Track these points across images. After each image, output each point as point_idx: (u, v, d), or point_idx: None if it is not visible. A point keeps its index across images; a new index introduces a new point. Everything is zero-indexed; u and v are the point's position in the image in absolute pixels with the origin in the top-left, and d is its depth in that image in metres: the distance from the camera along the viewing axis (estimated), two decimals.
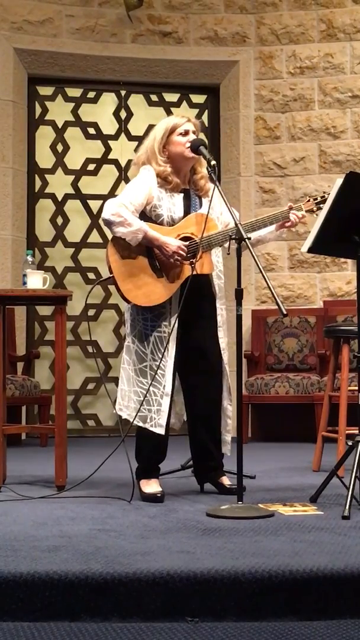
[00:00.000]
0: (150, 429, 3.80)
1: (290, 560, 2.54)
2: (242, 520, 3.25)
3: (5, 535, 2.96)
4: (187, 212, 3.89)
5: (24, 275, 4.26)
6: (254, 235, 3.99)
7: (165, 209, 3.86)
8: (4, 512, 3.46)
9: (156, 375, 3.79)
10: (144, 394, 3.80)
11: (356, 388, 3.99)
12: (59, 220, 7.53)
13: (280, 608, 2.40)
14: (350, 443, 3.56)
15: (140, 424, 3.81)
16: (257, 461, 5.22)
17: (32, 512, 3.46)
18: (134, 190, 3.86)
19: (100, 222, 7.37)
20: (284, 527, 3.12)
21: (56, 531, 3.05)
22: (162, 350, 3.79)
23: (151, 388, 3.79)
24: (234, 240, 3.53)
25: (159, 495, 3.77)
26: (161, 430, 3.78)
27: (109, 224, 3.79)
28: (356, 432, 3.57)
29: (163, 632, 2.28)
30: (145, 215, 3.88)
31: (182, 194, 3.92)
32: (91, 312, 7.45)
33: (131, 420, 3.83)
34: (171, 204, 3.87)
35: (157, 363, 3.79)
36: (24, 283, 4.24)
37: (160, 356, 3.79)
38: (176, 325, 3.79)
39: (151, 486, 3.83)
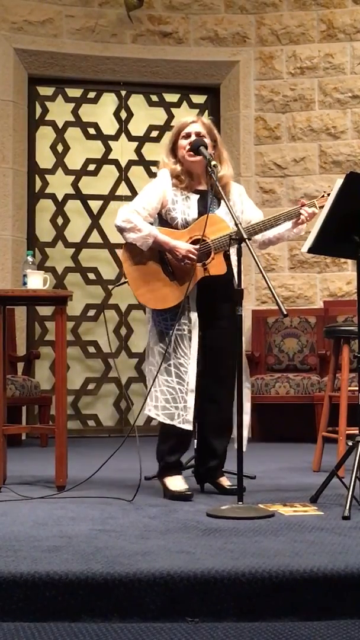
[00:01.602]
0: (179, 425, 3.80)
1: (291, 561, 2.54)
2: (242, 521, 3.24)
3: (6, 536, 2.96)
4: (202, 213, 3.88)
5: (24, 276, 4.26)
6: (272, 233, 4.00)
7: (180, 212, 3.88)
8: (4, 513, 3.46)
9: (180, 373, 3.80)
10: (171, 392, 3.80)
11: (356, 388, 3.99)
12: (59, 221, 7.53)
13: (280, 608, 2.40)
14: (350, 443, 3.55)
15: (168, 422, 3.81)
16: (258, 461, 5.22)
17: (33, 513, 3.46)
18: (148, 195, 3.90)
19: (101, 222, 7.44)
20: (284, 528, 3.11)
21: (56, 531, 3.05)
22: (184, 348, 3.81)
23: (177, 386, 3.80)
24: (234, 242, 3.54)
25: (188, 493, 3.77)
26: (189, 426, 3.80)
27: (120, 230, 3.83)
28: (356, 432, 3.57)
29: (163, 633, 2.28)
30: (161, 218, 3.91)
31: (197, 196, 3.93)
32: (91, 313, 7.45)
33: (158, 418, 3.84)
34: (185, 207, 3.89)
35: (180, 361, 3.80)
36: (24, 283, 4.25)
37: (183, 354, 3.80)
38: (197, 322, 3.80)
39: (177, 483, 3.83)
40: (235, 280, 3.91)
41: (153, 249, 3.81)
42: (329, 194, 3.99)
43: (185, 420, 3.80)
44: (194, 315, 3.82)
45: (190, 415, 3.79)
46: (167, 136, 4.13)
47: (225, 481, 3.97)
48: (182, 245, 3.78)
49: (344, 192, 3.47)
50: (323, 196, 4.03)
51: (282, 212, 3.99)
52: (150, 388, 3.85)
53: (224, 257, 3.87)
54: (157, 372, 3.85)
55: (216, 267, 3.84)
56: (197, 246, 3.78)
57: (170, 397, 3.81)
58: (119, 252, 3.99)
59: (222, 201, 3.90)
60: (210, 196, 3.94)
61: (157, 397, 3.86)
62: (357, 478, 3.46)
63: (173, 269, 3.83)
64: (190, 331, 3.82)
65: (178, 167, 3.93)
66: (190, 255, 3.77)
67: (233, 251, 3.90)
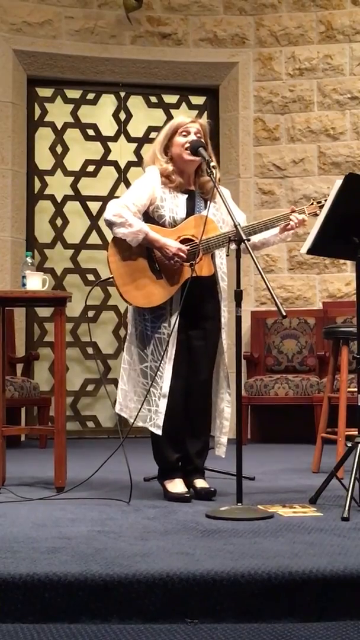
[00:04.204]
0: (150, 428, 3.81)
1: (290, 562, 2.54)
2: (241, 522, 3.24)
3: (5, 537, 2.96)
4: (190, 213, 3.88)
5: (24, 277, 4.26)
6: (258, 237, 3.99)
7: (168, 210, 3.86)
8: (3, 514, 3.46)
9: (155, 377, 3.80)
10: (145, 394, 3.80)
11: (355, 389, 3.98)
12: (59, 222, 7.54)
13: (279, 609, 2.39)
14: (349, 444, 3.56)
15: (140, 424, 3.82)
16: (257, 462, 5.22)
17: (32, 514, 3.45)
18: (137, 191, 3.87)
19: (100, 223, 7.45)
20: (283, 529, 3.11)
21: (55, 533, 3.05)
22: (161, 351, 3.80)
23: (150, 389, 3.79)
24: (233, 242, 3.54)
25: (187, 495, 3.77)
26: (158, 431, 3.78)
27: (110, 224, 3.79)
28: (355, 433, 3.57)
29: (162, 634, 2.28)
30: (148, 215, 3.88)
31: (186, 195, 3.91)
32: (91, 314, 7.45)
33: (130, 420, 3.84)
34: (174, 205, 3.87)
35: (157, 364, 3.79)
36: (24, 284, 4.25)
37: (159, 357, 3.79)
38: (176, 326, 3.79)
39: (176, 486, 3.83)
40: (220, 282, 3.92)
41: (141, 245, 3.79)
42: (319, 202, 4.01)
43: (155, 424, 3.79)
44: (175, 319, 3.80)
45: (160, 420, 3.77)
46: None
47: (199, 483, 3.91)
48: (172, 243, 3.77)
49: (343, 193, 3.47)
50: (312, 204, 4.03)
51: (272, 217, 3.97)
52: (123, 387, 3.87)
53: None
54: (133, 373, 3.86)
55: (204, 268, 3.83)
56: (188, 247, 3.78)
57: (144, 400, 3.81)
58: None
59: (212, 203, 3.88)
60: (198, 197, 3.94)
61: (131, 397, 3.87)
62: (356, 479, 3.46)
63: (160, 267, 3.81)
64: (169, 335, 3.80)
65: (170, 167, 3.90)
66: (180, 254, 3.76)
67: (219, 253, 3.90)
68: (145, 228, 3.76)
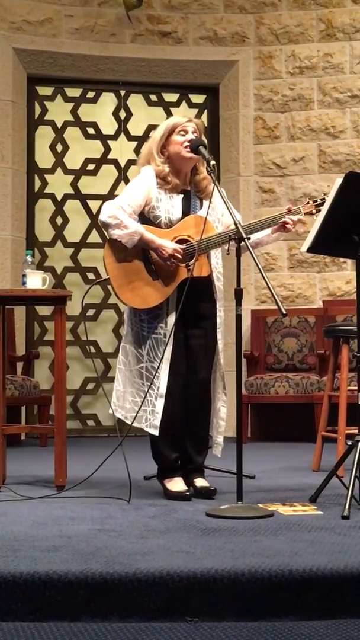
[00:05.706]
0: (146, 429, 3.81)
1: (290, 560, 2.54)
2: (241, 520, 3.24)
3: (5, 535, 2.96)
4: (186, 213, 3.87)
5: (24, 276, 4.26)
6: (253, 238, 3.98)
7: (163, 210, 3.85)
8: (3, 512, 3.46)
9: (153, 377, 3.79)
10: (141, 395, 3.80)
11: (356, 388, 3.99)
12: (59, 221, 7.53)
13: (280, 608, 2.40)
14: (349, 443, 3.56)
15: (136, 424, 3.81)
16: (257, 461, 5.22)
17: (32, 512, 3.46)
18: (133, 192, 3.86)
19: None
20: (283, 527, 3.11)
21: (56, 531, 3.05)
22: (159, 352, 3.79)
23: (147, 389, 3.79)
24: (233, 241, 3.53)
25: (187, 493, 3.77)
26: (155, 431, 3.78)
27: (105, 226, 3.80)
28: (356, 431, 3.57)
29: (163, 632, 2.28)
30: (143, 216, 3.88)
31: (181, 195, 3.90)
32: (90, 312, 7.45)
33: (126, 420, 3.84)
34: (169, 206, 3.86)
35: (153, 364, 3.79)
36: (24, 283, 4.25)
37: (157, 358, 3.78)
38: (173, 326, 3.78)
39: (176, 484, 3.84)
40: (216, 282, 3.92)
41: (137, 246, 3.78)
42: (314, 200, 4.01)
43: (151, 424, 3.79)
44: (171, 319, 3.79)
45: (157, 421, 3.77)
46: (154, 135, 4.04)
47: (199, 482, 3.91)
48: (168, 244, 3.76)
49: (343, 191, 3.47)
50: (308, 203, 4.02)
51: (268, 217, 3.94)
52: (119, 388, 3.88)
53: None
54: (128, 374, 3.86)
55: (200, 268, 3.82)
56: (184, 246, 3.77)
57: (140, 400, 3.81)
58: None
59: (208, 202, 3.87)
60: (193, 196, 3.93)
61: (126, 398, 3.86)
62: (357, 477, 3.46)
63: (157, 268, 3.80)
64: (165, 335, 3.79)
65: (166, 168, 3.88)
66: (177, 254, 3.75)
67: (215, 253, 3.90)
68: (140, 229, 3.76)
